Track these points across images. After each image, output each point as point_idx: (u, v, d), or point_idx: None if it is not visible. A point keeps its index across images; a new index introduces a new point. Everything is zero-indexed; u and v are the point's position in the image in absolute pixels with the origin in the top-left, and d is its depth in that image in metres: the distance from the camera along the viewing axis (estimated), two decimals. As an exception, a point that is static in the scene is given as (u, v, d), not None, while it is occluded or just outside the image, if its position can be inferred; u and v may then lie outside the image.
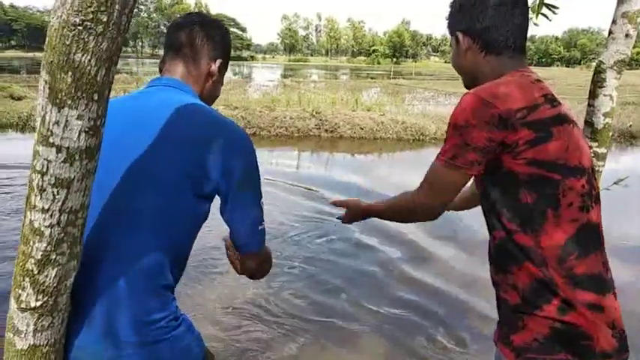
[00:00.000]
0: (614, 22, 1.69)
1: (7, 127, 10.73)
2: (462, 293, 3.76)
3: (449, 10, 1.33)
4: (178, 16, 1.41)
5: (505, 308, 1.21)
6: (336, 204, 1.61)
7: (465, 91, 1.21)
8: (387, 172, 8.36)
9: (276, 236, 4.76)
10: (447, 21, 1.34)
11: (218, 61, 1.32)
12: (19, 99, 13.56)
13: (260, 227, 1.21)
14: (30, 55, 69.25)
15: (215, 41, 1.32)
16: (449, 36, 1.35)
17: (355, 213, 1.54)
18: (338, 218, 1.59)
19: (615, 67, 1.67)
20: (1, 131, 10.43)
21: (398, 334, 3.16)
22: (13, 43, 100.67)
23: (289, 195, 6.43)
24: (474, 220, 5.34)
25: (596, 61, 1.76)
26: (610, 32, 1.70)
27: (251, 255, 1.24)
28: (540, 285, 1.09)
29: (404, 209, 1.32)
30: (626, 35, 1.64)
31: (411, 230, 5.12)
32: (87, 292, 1.06)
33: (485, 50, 1.24)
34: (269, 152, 9.71)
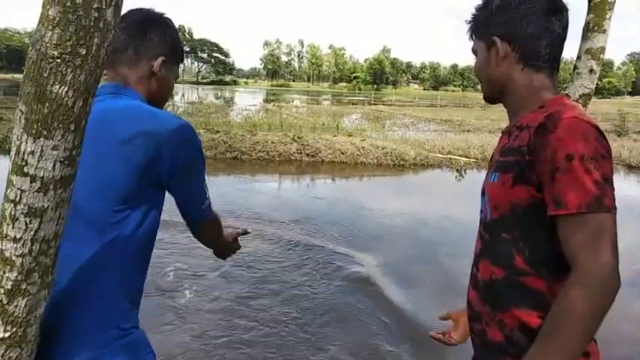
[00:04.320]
0: (578, 58, 1.78)
1: (-18, 148, 10.52)
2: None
3: (478, 10, 1.17)
4: None
5: (483, 344, 1.12)
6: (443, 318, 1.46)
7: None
8: (370, 196, 8.40)
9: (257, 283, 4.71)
10: (474, 22, 1.18)
11: (160, 59, 1.25)
12: (-4, 121, 13.32)
13: (204, 205, 1.25)
14: (8, 76, 68.28)
15: (155, 38, 1.25)
16: (471, 39, 1.20)
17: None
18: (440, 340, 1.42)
19: (580, 100, 1.75)
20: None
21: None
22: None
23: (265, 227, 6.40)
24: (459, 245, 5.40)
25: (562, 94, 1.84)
26: (575, 67, 1.78)
27: (201, 224, 1.29)
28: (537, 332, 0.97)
29: (583, 316, 0.87)
30: (590, 71, 1.72)
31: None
32: None
33: (525, 62, 1.10)
34: (250, 177, 9.69)
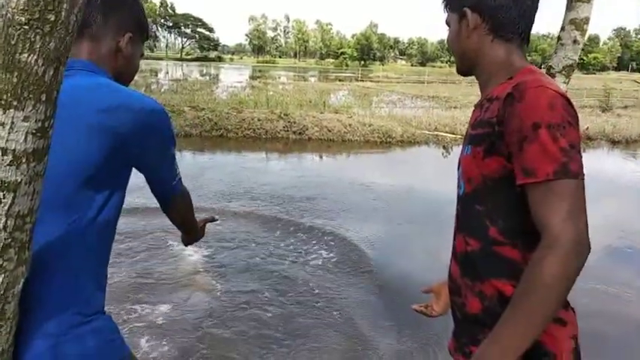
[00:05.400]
0: (562, 28, 1.76)
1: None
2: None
3: None
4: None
5: (463, 317, 1.13)
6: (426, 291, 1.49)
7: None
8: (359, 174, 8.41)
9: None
10: None
11: (127, 36, 1.23)
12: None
13: (174, 182, 1.26)
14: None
15: (120, 14, 1.22)
16: (445, 11, 1.20)
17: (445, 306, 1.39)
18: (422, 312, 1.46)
19: (564, 72, 1.74)
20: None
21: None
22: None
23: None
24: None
25: (545, 66, 1.83)
26: (559, 38, 1.76)
27: (171, 197, 1.29)
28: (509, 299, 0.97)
29: (554, 281, 0.88)
30: (574, 41, 1.71)
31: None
32: None
33: (495, 33, 1.10)
34: (236, 155, 9.63)
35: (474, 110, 1.17)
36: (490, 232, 1.04)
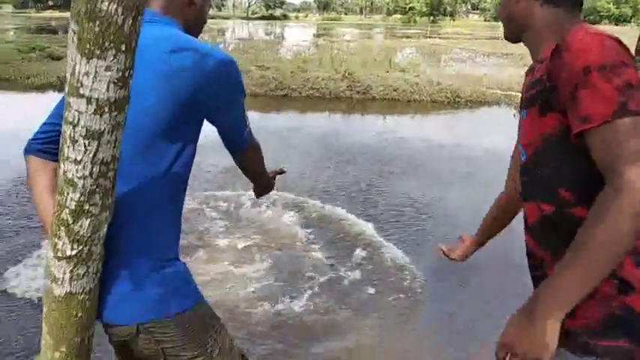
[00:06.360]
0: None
1: (47, 87, 11.03)
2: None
3: None
4: None
5: None
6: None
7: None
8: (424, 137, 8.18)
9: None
10: None
11: None
12: (59, 59, 13.88)
13: (245, 132, 1.28)
14: (67, 14, 69.99)
15: None
16: None
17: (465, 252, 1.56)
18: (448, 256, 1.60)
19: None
20: (41, 91, 10.72)
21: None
22: (50, 3, 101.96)
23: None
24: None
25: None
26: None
27: (246, 149, 1.32)
28: None
29: (623, 227, 0.81)
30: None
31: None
32: None
33: None
34: (300, 115, 9.68)
35: (526, 76, 1.15)
36: (561, 194, 1.00)
